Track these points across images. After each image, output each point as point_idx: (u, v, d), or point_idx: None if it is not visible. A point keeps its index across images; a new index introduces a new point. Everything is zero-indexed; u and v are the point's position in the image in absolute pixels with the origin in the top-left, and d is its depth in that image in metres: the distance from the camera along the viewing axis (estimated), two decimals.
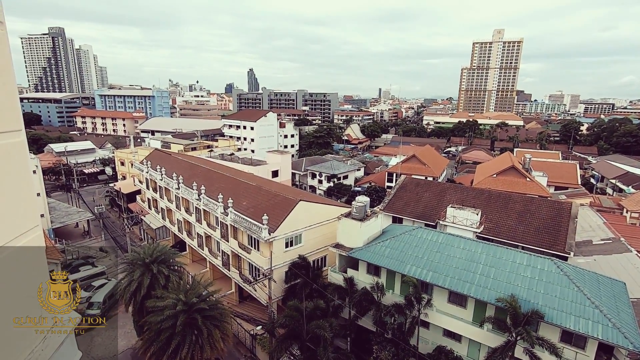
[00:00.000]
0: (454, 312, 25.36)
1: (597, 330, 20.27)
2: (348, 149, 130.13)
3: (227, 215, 34.88)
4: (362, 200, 31.31)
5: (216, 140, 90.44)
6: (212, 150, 73.89)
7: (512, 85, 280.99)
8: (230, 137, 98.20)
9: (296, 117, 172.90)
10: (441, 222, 35.59)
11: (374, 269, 29.05)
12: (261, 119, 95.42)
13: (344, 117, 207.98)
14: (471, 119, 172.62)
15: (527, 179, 55.04)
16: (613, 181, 77.26)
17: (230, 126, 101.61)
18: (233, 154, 71.79)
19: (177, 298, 22.49)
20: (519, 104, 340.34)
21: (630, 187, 69.57)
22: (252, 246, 33.34)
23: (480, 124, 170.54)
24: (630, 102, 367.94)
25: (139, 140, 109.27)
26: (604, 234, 41.25)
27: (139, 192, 59.36)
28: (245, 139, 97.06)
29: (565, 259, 30.38)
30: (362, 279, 29.00)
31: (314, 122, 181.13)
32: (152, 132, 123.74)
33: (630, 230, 48.02)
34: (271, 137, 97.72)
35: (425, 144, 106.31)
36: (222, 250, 37.94)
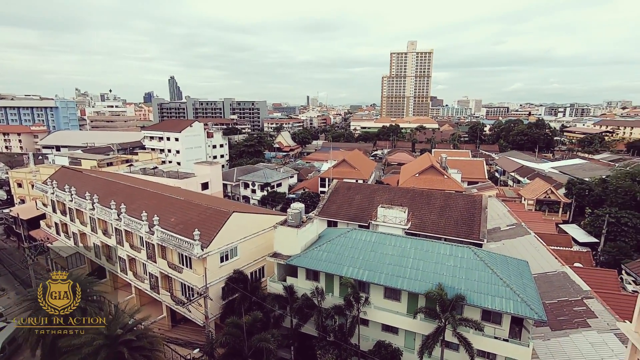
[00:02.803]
0: (390, 306, 26.65)
1: (509, 306, 22.96)
2: (280, 157, 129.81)
3: (153, 234, 32.21)
4: (297, 207, 31.42)
5: (136, 154, 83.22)
6: (131, 165, 67.85)
7: (427, 92, 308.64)
8: (152, 149, 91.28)
9: (224, 127, 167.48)
10: (373, 222, 37.31)
11: (313, 274, 29.24)
12: (186, 129, 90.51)
13: (274, 125, 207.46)
14: (393, 124, 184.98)
15: (445, 177, 60.57)
16: (512, 174, 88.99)
17: (152, 138, 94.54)
18: (156, 167, 66.77)
19: (97, 332, 20.03)
20: (433, 109, 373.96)
21: (525, 178, 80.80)
22: (183, 265, 31.22)
23: (402, 128, 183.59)
24: (520, 105, 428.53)
25: (40, 157, 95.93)
26: (509, 220, 47.12)
27: (43, 216, 51.83)
28: (169, 151, 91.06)
29: (480, 245, 34.01)
30: (302, 285, 28.98)
31: (243, 130, 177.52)
32: (57, 148, 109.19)
33: (528, 215, 55.60)
34: (199, 148, 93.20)
35: (353, 148, 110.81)
36: (149, 273, 34.87)
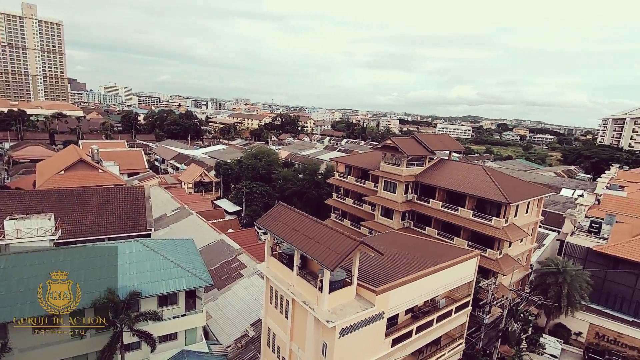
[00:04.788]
0: (46, 339, 21.22)
1: (182, 284, 24.77)
2: None
3: None
4: None
5: None
6: None
7: (62, 72, 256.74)
8: None
9: None
10: (1, 242, 27.56)
11: None
12: None
13: None
14: (16, 109, 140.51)
15: (100, 171, 54.19)
16: (171, 162, 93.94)
17: None
18: None
19: None
20: (74, 93, 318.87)
21: (183, 164, 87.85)
22: None
23: (31, 115, 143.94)
24: (170, 96, 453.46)
25: None
26: (173, 205, 49.94)
27: None
28: None
29: (149, 235, 33.96)
30: None
31: None
32: None
33: (189, 197, 61.20)
34: None
35: None
36: None
